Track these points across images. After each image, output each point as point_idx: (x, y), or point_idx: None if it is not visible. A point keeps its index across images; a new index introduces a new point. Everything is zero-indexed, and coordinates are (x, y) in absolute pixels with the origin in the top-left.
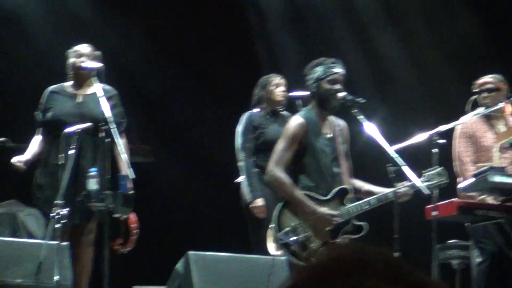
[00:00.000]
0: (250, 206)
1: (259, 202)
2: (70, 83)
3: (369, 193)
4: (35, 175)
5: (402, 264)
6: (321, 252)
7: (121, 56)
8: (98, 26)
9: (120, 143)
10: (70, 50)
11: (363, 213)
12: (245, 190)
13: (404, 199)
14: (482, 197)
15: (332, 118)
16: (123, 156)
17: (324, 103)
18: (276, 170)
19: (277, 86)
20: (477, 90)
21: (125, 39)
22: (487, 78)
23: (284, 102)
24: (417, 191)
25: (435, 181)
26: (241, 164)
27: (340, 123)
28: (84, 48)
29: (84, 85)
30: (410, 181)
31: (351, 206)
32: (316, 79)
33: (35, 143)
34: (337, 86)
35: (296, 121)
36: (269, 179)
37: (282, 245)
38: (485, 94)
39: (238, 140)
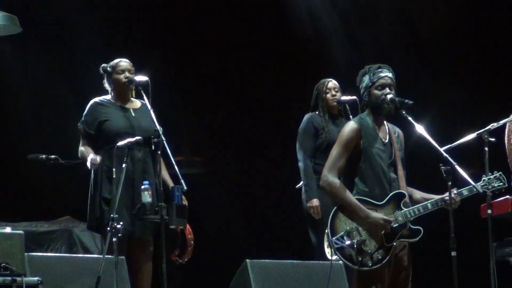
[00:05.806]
0: (307, 205)
1: (315, 202)
2: (113, 96)
3: (418, 201)
4: (97, 189)
5: None
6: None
7: None
8: None
9: (170, 156)
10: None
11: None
12: (303, 190)
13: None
14: None
15: (389, 125)
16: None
17: (377, 109)
18: (329, 175)
19: (329, 91)
20: None
21: None
22: None
23: (337, 106)
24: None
25: (494, 185)
26: (300, 164)
27: (397, 130)
28: (128, 63)
29: (128, 99)
30: (466, 181)
31: (408, 210)
32: (365, 88)
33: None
34: (387, 90)
35: (350, 126)
36: (323, 184)
37: (337, 249)
38: None
39: (299, 139)
